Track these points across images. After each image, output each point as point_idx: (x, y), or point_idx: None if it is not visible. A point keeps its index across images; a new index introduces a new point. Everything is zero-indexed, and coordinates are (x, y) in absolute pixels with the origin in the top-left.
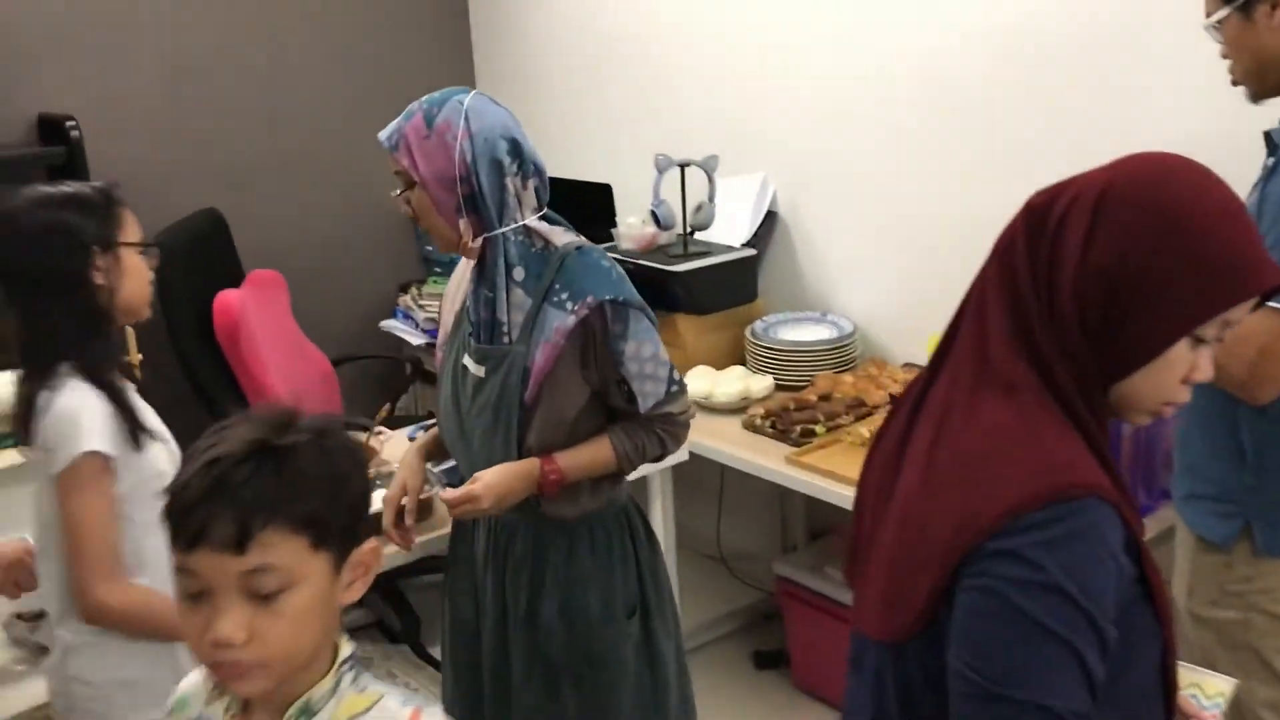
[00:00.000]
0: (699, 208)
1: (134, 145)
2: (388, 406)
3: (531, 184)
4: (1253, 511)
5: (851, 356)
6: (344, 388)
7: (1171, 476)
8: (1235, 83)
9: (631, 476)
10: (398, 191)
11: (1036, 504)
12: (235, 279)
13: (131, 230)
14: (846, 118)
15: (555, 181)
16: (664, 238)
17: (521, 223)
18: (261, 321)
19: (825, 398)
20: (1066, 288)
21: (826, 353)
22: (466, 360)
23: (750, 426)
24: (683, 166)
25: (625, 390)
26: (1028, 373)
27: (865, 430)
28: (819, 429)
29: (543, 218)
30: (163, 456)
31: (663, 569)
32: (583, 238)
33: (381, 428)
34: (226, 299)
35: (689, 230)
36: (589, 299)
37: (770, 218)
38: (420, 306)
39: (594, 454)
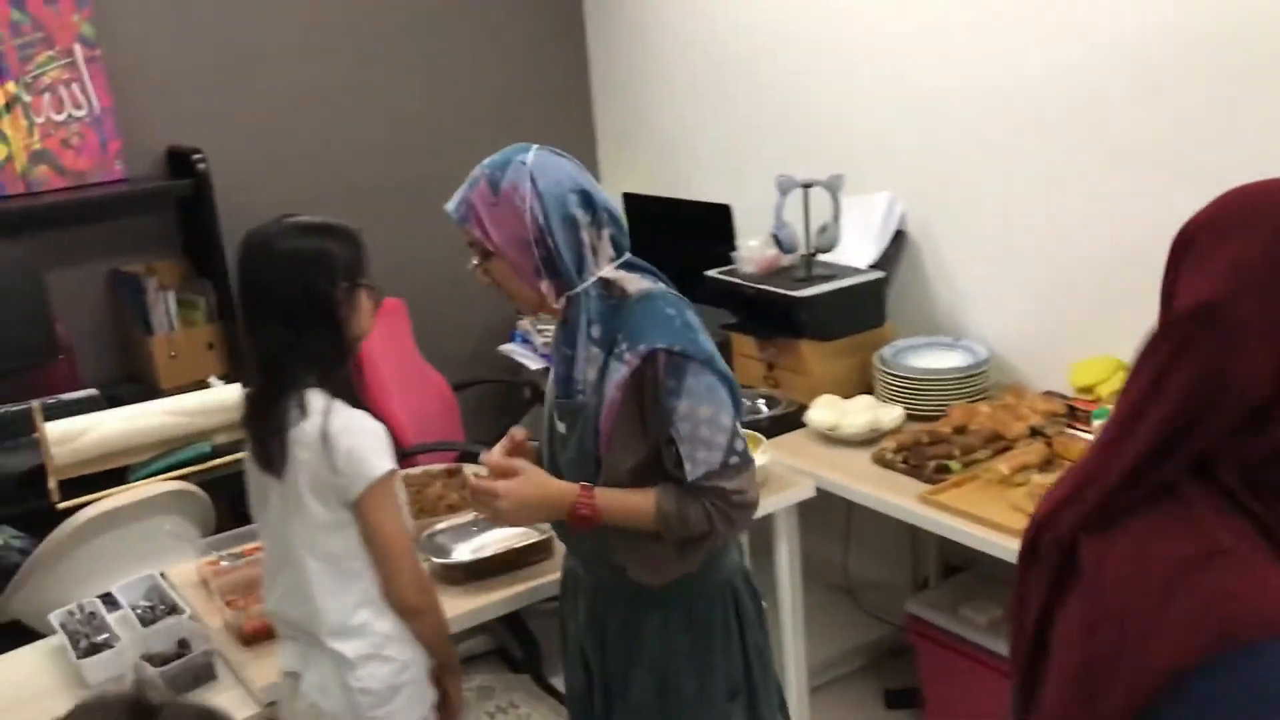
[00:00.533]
0: (823, 229)
1: (258, 176)
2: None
3: (607, 233)
4: None
5: (986, 385)
6: (464, 412)
7: None
8: None
9: (762, 511)
10: (474, 263)
11: (1207, 656)
12: None
13: (365, 273)
14: (979, 133)
15: (673, 202)
16: (786, 260)
17: (599, 275)
18: (384, 349)
19: (960, 430)
20: None
21: (960, 380)
22: (555, 418)
23: (881, 461)
24: (806, 187)
25: (674, 453)
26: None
27: (1003, 467)
28: (954, 465)
29: (623, 264)
30: None
31: (769, 649)
32: (660, 283)
33: None
34: None
35: (813, 252)
36: (640, 347)
37: (899, 238)
38: (538, 330)
39: (635, 503)
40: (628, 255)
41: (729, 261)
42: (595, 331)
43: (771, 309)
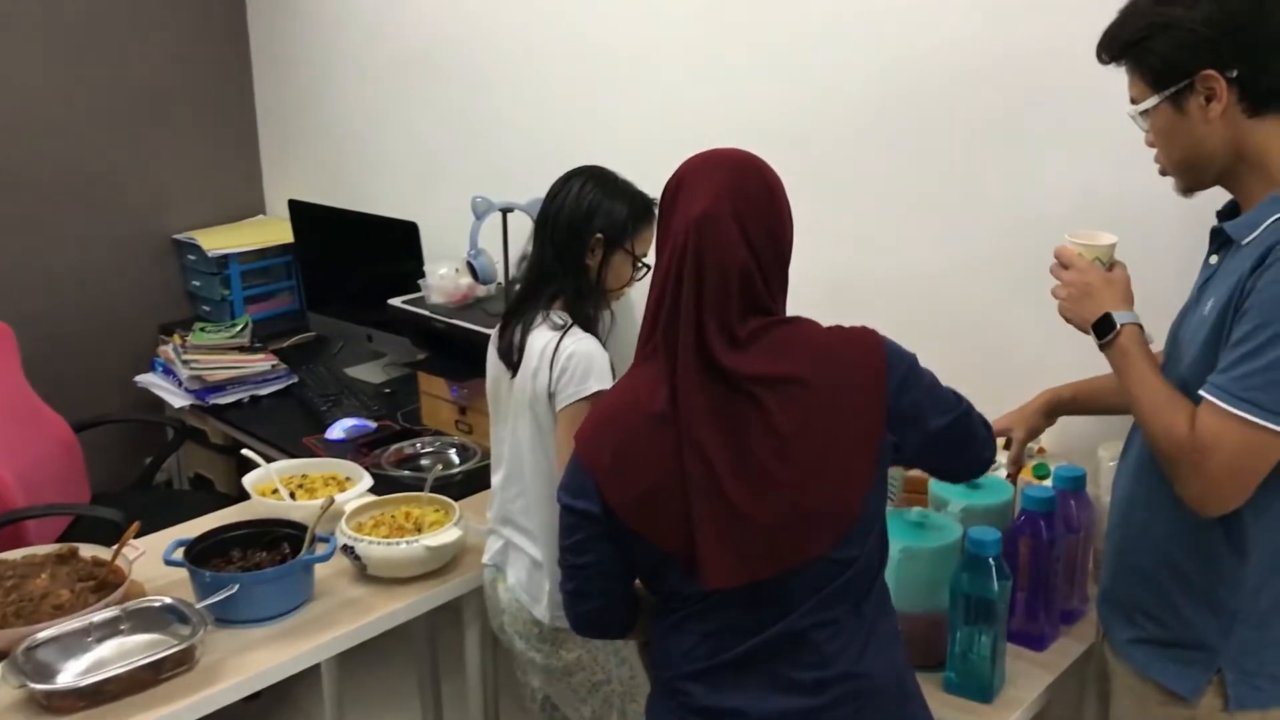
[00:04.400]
0: (524, 257)
1: None
2: (137, 523)
3: None
4: (1225, 659)
5: None
6: (92, 458)
7: (1101, 608)
8: (1163, 173)
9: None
10: None
11: None
12: None
13: (642, 244)
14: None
15: (347, 215)
16: (482, 291)
17: None
18: None
19: None
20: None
21: None
22: None
23: None
24: (505, 211)
25: None
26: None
27: None
28: None
29: None
30: None
31: None
32: None
33: (132, 543)
34: None
35: (512, 282)
36: None
37: None
38: (184, 362)
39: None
40: None
41: (416, 288)
42: None
43: (464, 346)
